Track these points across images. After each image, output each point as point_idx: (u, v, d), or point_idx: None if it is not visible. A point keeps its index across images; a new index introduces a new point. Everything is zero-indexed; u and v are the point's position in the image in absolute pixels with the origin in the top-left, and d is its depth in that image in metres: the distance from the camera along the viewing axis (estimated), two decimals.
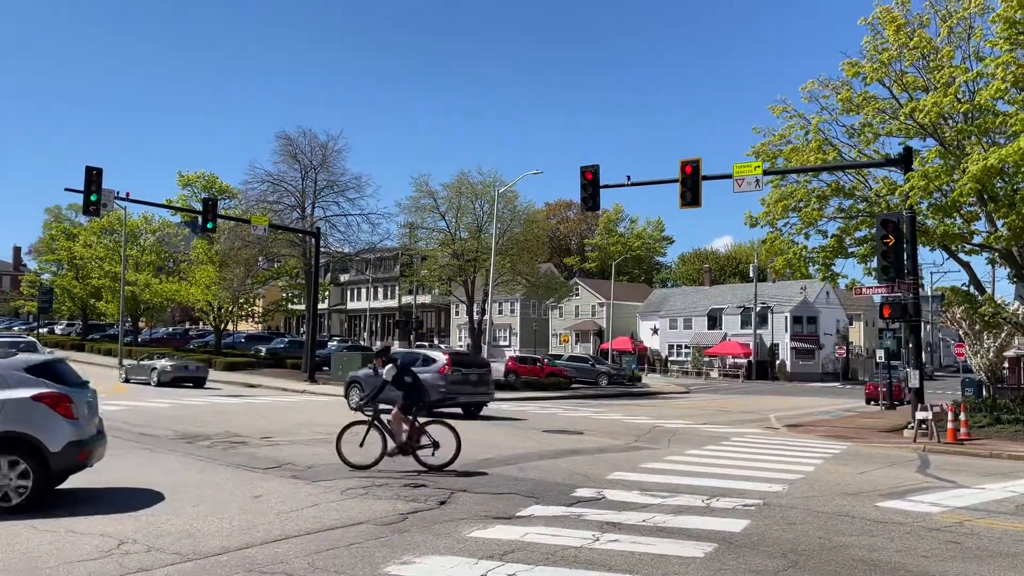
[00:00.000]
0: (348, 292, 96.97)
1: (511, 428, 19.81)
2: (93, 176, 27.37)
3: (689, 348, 72.84)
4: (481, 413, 23.58)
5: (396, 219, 52.65)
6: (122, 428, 16.94)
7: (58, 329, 68.28)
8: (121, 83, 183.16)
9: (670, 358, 74.40)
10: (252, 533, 8.08)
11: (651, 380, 56.70)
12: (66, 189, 56.05)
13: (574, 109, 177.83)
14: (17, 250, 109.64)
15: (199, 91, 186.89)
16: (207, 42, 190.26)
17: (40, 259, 72.92)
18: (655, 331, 77.77)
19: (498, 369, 45.51)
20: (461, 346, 79.70)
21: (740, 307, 70.72)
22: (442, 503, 9.80)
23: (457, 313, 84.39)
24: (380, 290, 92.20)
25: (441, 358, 23.52)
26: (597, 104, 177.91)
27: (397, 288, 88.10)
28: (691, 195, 22.08)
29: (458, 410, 22.72)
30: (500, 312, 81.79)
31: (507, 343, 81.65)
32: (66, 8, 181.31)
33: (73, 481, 10.75)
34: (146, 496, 9.88)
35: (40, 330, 61.03)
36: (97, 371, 38.69)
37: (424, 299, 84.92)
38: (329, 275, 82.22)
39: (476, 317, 44.03)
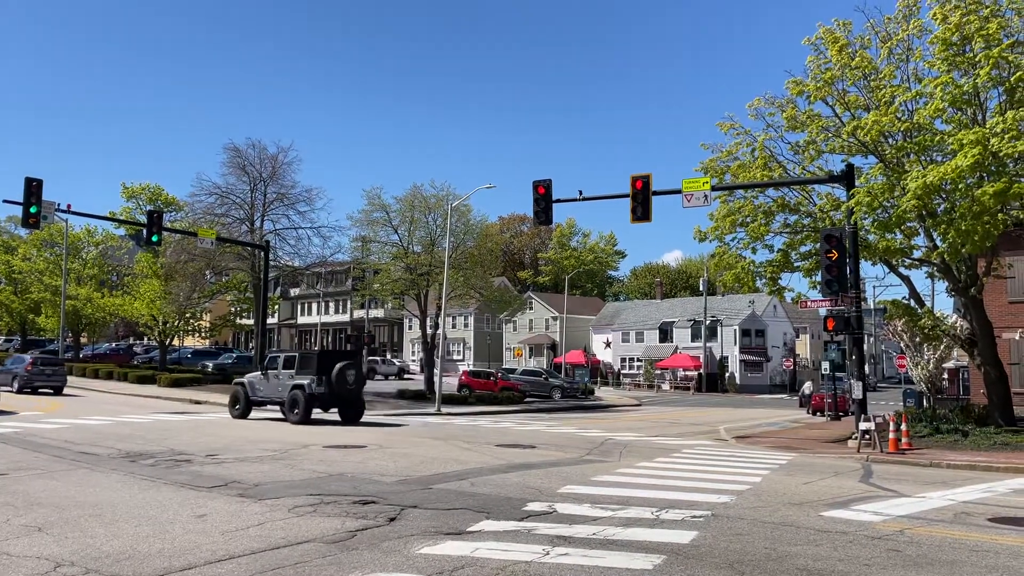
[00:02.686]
0: (299, 306, 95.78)
1: (463, 443, 19.72)
2: (33, 187, 26.63)
3: (641, 361, 73.47)
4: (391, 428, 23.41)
5: (348, 232, 52.21)
6: (63, 447, 16.45)
7: None
8: (63, 90, 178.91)
9: (623, 371, 74.94)
10: (196, 553, 7.88)
11: (604, 393, 57.01)
12: (4, 201, 54.37)
13: (528, 123, 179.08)
14: None
15: (145, 100, 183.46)
16: (153, 49, 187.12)
17: None
18: (608, 344, 78.30)
19: (451, 383, 45.41)
20: (414, 360, 79.24)
21: (691, 320, 71.65)
22: (392, 519, 9.70)
23: (410, 327, 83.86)
24: (331, 304, 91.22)
25: None
26: (550, 117, 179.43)
27: (349, 302, 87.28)
28: (642, 210, 22.36)
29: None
30: (454, 326, 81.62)
31: (461, 357, 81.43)
32: (11, 8, 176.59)
33: (8, 500, 10.39)
34: (87, 517, 9.57)
35: (10, 348, 58.87)
36: None
37: (377, 313, 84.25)
38: (279, 289, 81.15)
39: (429, 331, 43.76)
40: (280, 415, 26.38)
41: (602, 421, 31.96)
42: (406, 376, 65.27)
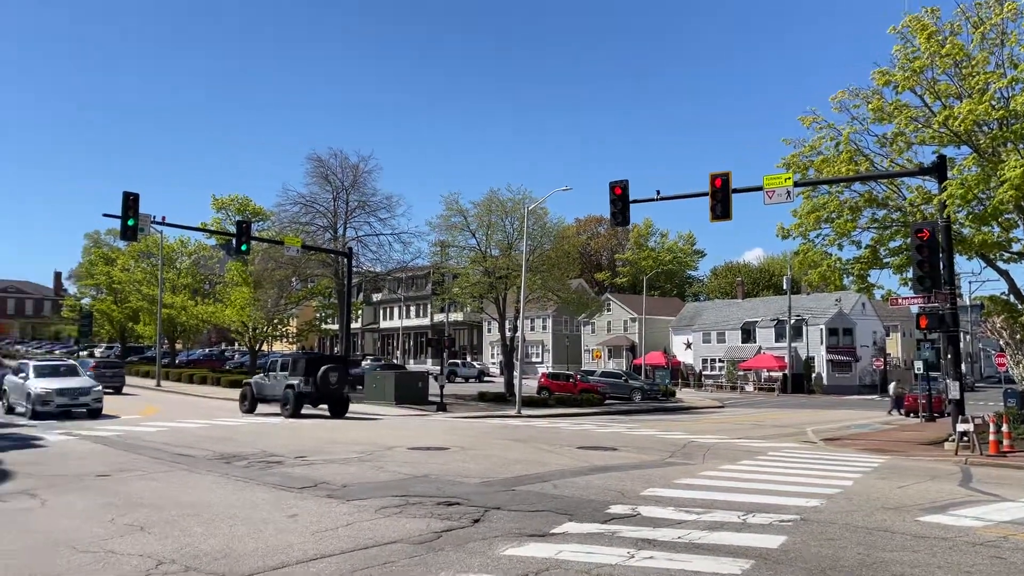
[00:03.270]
0: (381, 311, 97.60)
1: (545, 445, 19.75)
2: (130, 201, 27.92)
3: (723, 362, 72.10)
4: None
5: (427, 238, 52.95)
6: (161, 449, 17.21)
7: (97, 352, 69.43)
8: (157, 108, 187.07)
9: (704, 372, 73.69)
10: (288, 553, 8.14)
11: (685, 395, 56.18)
12: (104, 215, 57.49)
13: (603, 124, 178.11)
14: (58, 275, 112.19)
15: (232, 113, 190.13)
16: (238, 67, 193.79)
17: (80, 284, 74.50)
18: (688, 345, 77.13)
19: (531, 386, 45.53)
20: (494, 362, 79.79)
21: (774, 320, 69.89)
22: (476, 521, 9.81)
23: (489, 330, 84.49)
24: (412, 308, 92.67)
25: None
26: (625, 119, 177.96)
27: (429, 306, 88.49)
28: (721, 208, 21.96)
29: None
30: (532, 329, 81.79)
31: (539, 359, 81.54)
32: (109, 34, 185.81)
33: (112, 500, 10.95)
34: (186, 516, 10.01)
35: (80, 353, 62.17)
36: (134, 392, 39.35)
37: (456, 317, 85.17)
38: (362, 295, 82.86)
39: (508, 334, 43.99)
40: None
41: (683, 423, 31.51)
42: (486, 379, 65.75)
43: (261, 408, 29.94)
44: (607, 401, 42.60)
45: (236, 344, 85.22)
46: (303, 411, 28.29)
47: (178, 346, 60.85)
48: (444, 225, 45.83)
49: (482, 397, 39.24)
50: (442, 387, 34.01)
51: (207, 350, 71.34)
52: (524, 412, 32.80)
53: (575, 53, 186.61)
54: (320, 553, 8.13)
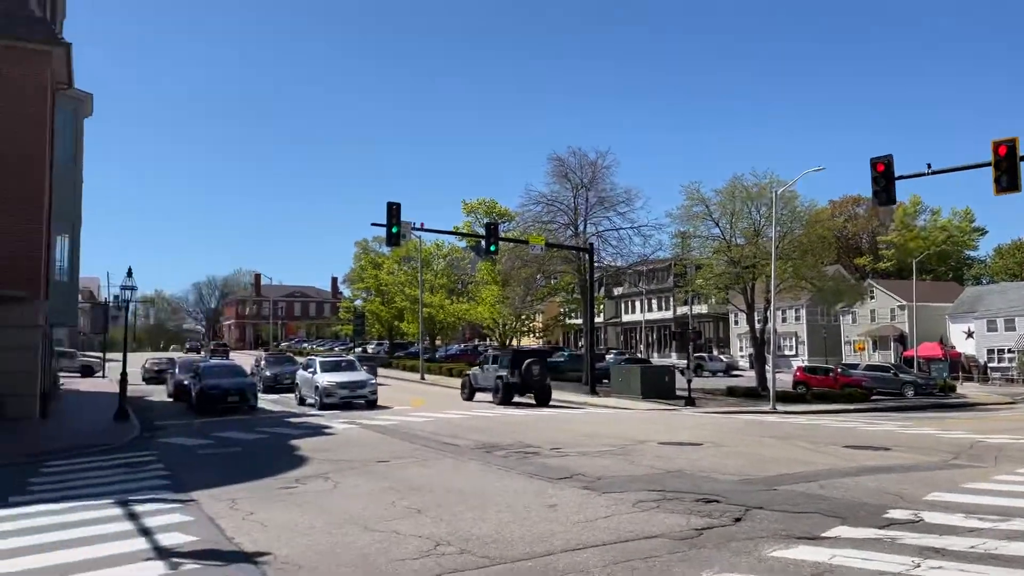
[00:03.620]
0: (622, 305, 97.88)
1: (805, 443, 18.67)
2: (393, 211, 30.35)
3: (1014, 352, 63.86)
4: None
5: (667, 229, 52.17)
6: (430, 438, 18.55)
7: (369, 348, 76.42)
8: (415, 123, 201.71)
9: (989, 364, 65.74)
10: (552, 541, 8.41)
11: (967, 390, 50.54)
12: (372, 224, 62.73)
13: (855, 93, 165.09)
14: (334, 280, 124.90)
15: (474, 122, 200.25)
16: (483, 72, 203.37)
17: (352, 287, 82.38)
18: (969, 334, 69.24)
19: (784, 380, 43.31)
20: (742, 356, 77.01)
21: None
22: (737, 520, 9.50)
23: (736, 322, 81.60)
24: (654, 301, 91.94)
25: None
26: (878, 85, 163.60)
27: (671, 299, 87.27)
28: (1008, 179, 19.41)
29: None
30: (784, 320, 77.77)
31: (793, 352, 77.39)
32: (351, 57, 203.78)
33: (391, 484, 11.95)
34: (456, 502, 10.68)
35: (356, 349, 68.79)
36: (401, 385, 42.78)
37: (701, 309, 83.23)
38: (603, 289, 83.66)
39: (758, 326, 42.21)
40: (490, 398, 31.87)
41: (967, 421, 28.33)
42: (734, 373, 63.57)
43: (479, 396, 33.45)
44: (873, 397, 39.41)
45: (488, 339, 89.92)
46: (513, 399, 31.07)
47: (437, 342, 65.24)
48: (685, 215, 44.89)
49: (731, 392, 38.00)
50: (689, 381, 33.41)
51: (463, 345, 75.81)
52: (779, 408, 31.27)
53: (826, 35, 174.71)
54: (582, 543, 8.30)
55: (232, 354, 75.23)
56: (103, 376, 50.81)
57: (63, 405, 29.78)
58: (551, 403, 31.07)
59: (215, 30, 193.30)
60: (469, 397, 33.65)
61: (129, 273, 25.81)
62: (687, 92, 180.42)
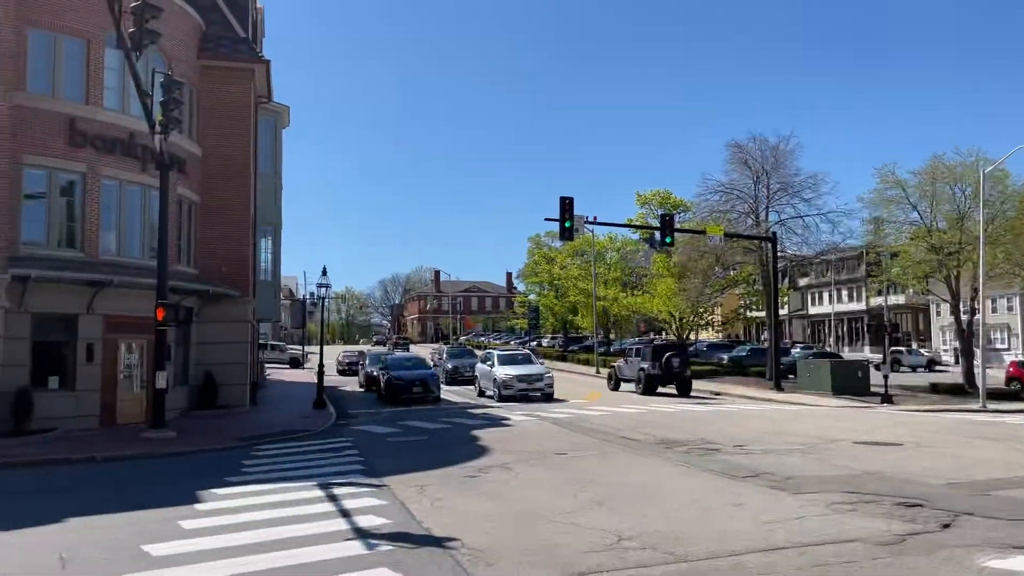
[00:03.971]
0: (809, 296, 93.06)
1: (1022, 444, 16.91)
2: (566, 205, 30.52)
3: None
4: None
5: (858, 215, 48.85)
6: (608, 431, 18.53)
7: (544, 342, 77.48)
8: (589, 111, 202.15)
9: None
10: (739, 541, 8.13)
11: None
12: (545, 219, 63.73)
13: None
14: (509, 275, 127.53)
15: (649, 111, 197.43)
16: (643, 69, 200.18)
17: (526, 281, 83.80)
18: None
19: (996, 376, 39.43)
20: (945, 350, 70.99)
21: None
22: (945, 526, 8.76)
23: (938, 314, 75.33)
24: (844, 292, 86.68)
25: None
26: None
27: (864, 289, 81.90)
28: None
29: None
30: (994, 310, 70.82)
31: (1005, 345, 70.32)
32: (520, 61, 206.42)
33: (571, 476, 12.04)
34: (637, 496, 10.59)
35: (531, 343, 69.98)
36: (576, 379, 43.02)
37: (897, 300, 77.52)
38: (787, 280, 79.84)
39: (964, 317, 38.68)
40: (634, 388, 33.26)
41: None
42: (936, 368, 58.77)
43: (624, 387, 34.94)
44: None
45: (664, 333, 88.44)
46: (657, 390, 32.50)
47: (611, 336, 65.02)
48: (878, 200, 41.88)
49: (934, 388, 35.09)
50: (886, 377, 31.20)
51: (637, 339, 75.12)
52: (989, 406, 28.48)
53: None
54: (772, 545, 7.97)
55: (412, 347, 78.88)
56: (306, 367, 55.19)
57: (268, 394, 32.47)
58: (693, 395, 31.84)
59: (391, 35, 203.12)
60: (615, 387, 35.41)
61: (324, 272, 27.74)
62: (881, 72, 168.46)
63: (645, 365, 32.66)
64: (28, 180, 20.11)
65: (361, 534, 8.93)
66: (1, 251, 18.15)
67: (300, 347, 63.22)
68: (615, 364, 37.75)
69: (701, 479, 11.95)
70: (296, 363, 57.07)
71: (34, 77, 20.25)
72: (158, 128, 17.92)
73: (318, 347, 30.70)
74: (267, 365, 56.32)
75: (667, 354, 32.49)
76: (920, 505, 9.87)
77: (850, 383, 32.91)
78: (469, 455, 15.09)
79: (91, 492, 12.46)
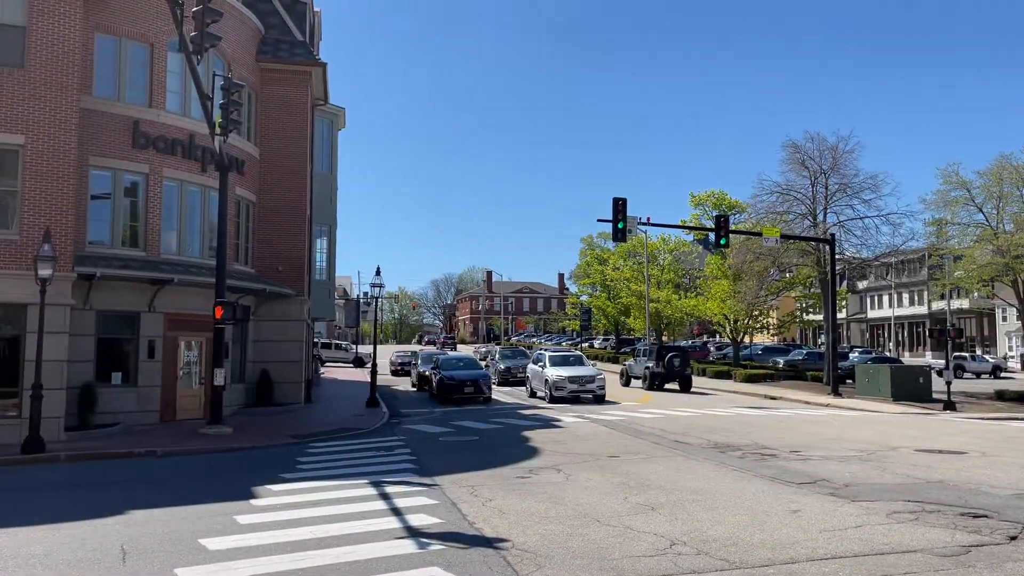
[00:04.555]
0: (867, 300, 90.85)
1: None
2: (619, 206, 30.30)
3: None
4: None
5: (921, 216, 47.41)
6: (659, 435, 18.33)
7: (596, 344, 77.11)
8: (642, 125, 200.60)
9: None
10: (796, 548, 7.94)
11: None
12: (598, 220, 63.35)
13: None
14: (560, 276, 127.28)
15: (708, 114, 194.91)
16: (709, 70, 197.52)
17: (579, 283, 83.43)
18: None
19: None
20: (1012, 356, 68.62)
21: None
22: (1012, 538, 8.43)
23: (1004, 319, 72.88)
24: (905, 296, 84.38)
25: None
26: None
27: (925, 293, 79.60)
28: None
29: None
30: None
31: None
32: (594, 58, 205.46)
33: (623, 480, 11.92)
34: (690, 501, 10.44)
35: (582, 344, 69.65)
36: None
37: (960, 304, 75.18)
38: (845, 283, 78.06)
39: None
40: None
41: None
42: (1003, 375, 56.81)
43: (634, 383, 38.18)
44: None
45: (717, 336, 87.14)
46: (662, 386, 35.96)
47: (664, 338, 64.36)
48: (941, 201, 40.74)
49: (1000, 396, 33.85)
50: (949, 383, 30.25)
51: (691, 342, 74.20)
52: None
53: None
54: (830, 553, 7.76)
55: (460, 347, 79.23)
56: (362, 367, 56.04)
57: (322, 392, 32.95)
58: (745, 395, 29.71)
59: (444, 41, 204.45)
60: (626, 384, 39.48)
61: (378, 272, 27.99)
62: (950, 69, 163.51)
63: (650, 364, 36.38)
64: (94, 181, 20.79)
65: (413, 533, 8.97)
66: (68, 250, 18.76)
67: (354, 346, 64.12)
68: (625, 364, 41.85)
69: (756, 485, 11.71)
70: (360, 363, 58.08)
71: (100, 81, 20.92)
72: (218, 130, 18.31)
73: (371, 346, 31.01)
74: (333, 364, 57.44)
75: (669, 355, 36.04)
76: (986, 516, 9.52)
77: (911, 389, 32.00)
78: (520, 456, 15.07)
79: (151, 486, 12.79)
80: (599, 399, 28.81)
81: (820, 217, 40.53)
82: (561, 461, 14.28)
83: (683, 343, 70.66)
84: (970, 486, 11.60)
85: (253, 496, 11.44)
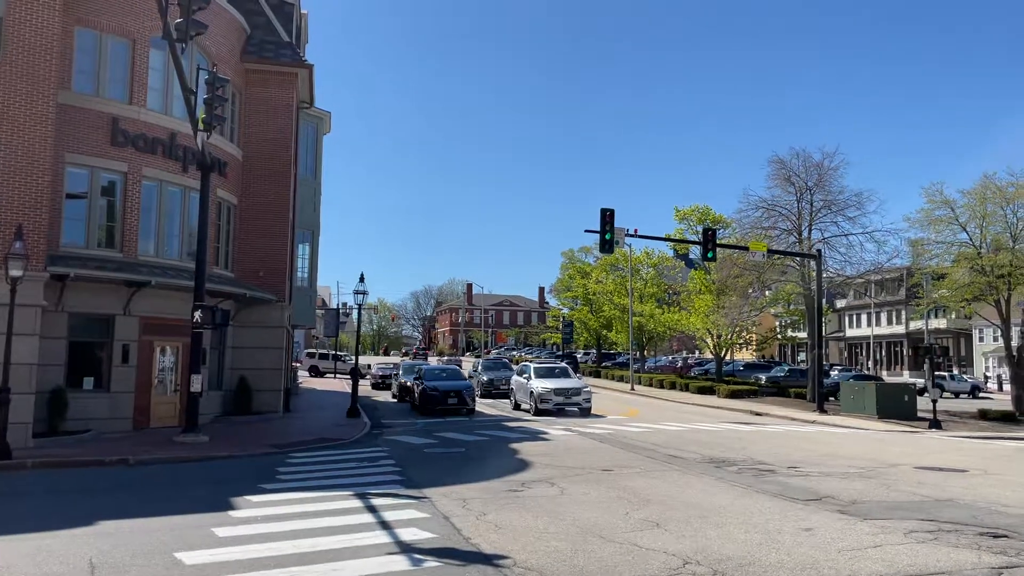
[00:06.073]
0: (846, 318, 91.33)
1: None
2: (607, 217, 29.96)
3: None
4: None
5: (905, 235, 47.46)
6: (651, 449, 17.85)
7: (577, 357, 76.66)
8: (621, 129, 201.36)
9: None
10: (817, 569, 7.47)
11: None
12: (586, 231, 62.99)
13: None
14: (541, 290, 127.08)
15: (692, 129, 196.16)
16: (689, 74, 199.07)
17: (559, 296, 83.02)
18: None
19: None
20: (988, 376, 69.08)
21: None
22: None
23: (981, 339, 73.52)
24: (883, 315, 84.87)
25: None
26: None
27: (903, 312, 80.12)
28: None
29: None
30: None
31: None
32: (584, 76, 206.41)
33: (621, 494, 11.41)
34: (695, 517, 9.95)
35: (567, 357, 69.14)
36: (612, 394, 42.20)
37: (938, 324, 75.71)
38: (824, 300, 78.37)
39: (1015, 343, 37.34)
40: None
41: None
42: (980, 394, 57.11)
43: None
44: None
45: (697, 352, 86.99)
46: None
47: (646, 353, 64.04)
48: (925, 220, 40.77)
49: (984, 415, 33.82)
50: (934, 401, 30.08)
51: (670, 357, 73.99)
52: None
53: None
54: (854, 573, 7.30)
55: (431, 359, 78.55)
56: (363, 378, 55.07)
57: (301, 402, 32.17)
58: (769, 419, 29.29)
59: (428, 50, 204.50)
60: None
61: (361, 279, 27.37)
62: (936, 87, 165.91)
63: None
64: (70, 179, 20.05)
65: (405, 548, 8.40)
66: (41, 249, 18.01)
67: (352, 358, 63.17)
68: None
69: (760, 501, 11.24)
70: (357, 374, 57.09)
71: (79, 76, 20.24)
72: (201, 126, 17.69)
73: (351, 357, 30.32)
74: (332, 375, 56.23)
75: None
76: (1006, 536, 9.11)
77: (896, 407, 31.79)
78: (510, 468, 14.52)
79: (123, 495, 12.09)
80: (585, 412, 28.30)
81: (805, 233, 40.45)
82: (553, 474, 13.75)
83: (662, 358, 70.49)
84: (980, 505, 11.21)
85: (232, 507, 10.80)
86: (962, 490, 12.62)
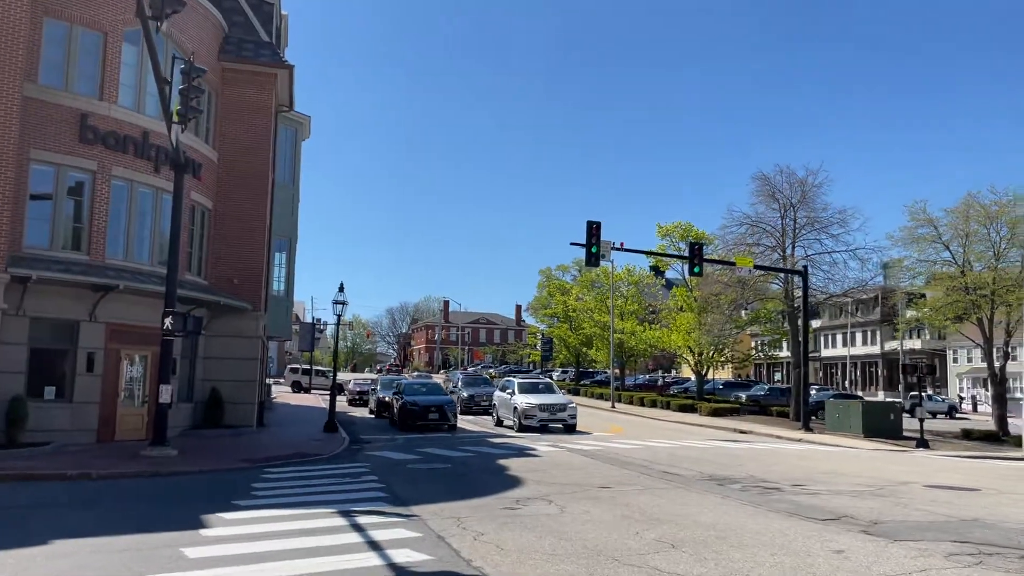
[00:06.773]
0: (821, 338, 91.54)
1: None
2: (593, 230, 29.29)
3: None
4: None
5: (889, 252, 47.43)
6: (645, 465, 17.08)
7: (555, 375, 75.86)
8: (598, 147, 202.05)
9: None
10: None
11: None
12: (571, 243, 61.80)
13: None
14: (518, 308, 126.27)
15: (675, 146, 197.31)
16: (673, 93, 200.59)
17: (537, 314, 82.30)
18: None
19: (1020, 425, 37.79)
20: (964, 397, 69.30)
21: None
22: None
23: (955, 360, 73.90)
24: (858, 335, 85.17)
25: None
26: None
27: (878, 333, 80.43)
28: None
29: None
30: (1013, 358, 69.25)
31: None
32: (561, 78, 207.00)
33: (625, 512, 10.61)
34: (712, 538, 9.17)
35: (547, 375, 68.29)
36: (593, 412, 41.43)
37: (913, 344, 76.02)
38: (801, 320, 78.42)
39: (997, 363, 37.18)
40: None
41: None
42: (957, 415, 57.17)
43: None
44: None
45: (673, 371, 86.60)
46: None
47: (624, 370, 63.41)
48: (908, 238, 40.65)
49: (967, 435, 33.58)
50: (922, 420, 29.76)
51: (648, 376, 73.49)
52: None
53: None
54: None
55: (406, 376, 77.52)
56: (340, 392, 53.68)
57: (275, 416, 31.00)
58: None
59: (408, 64, 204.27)
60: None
61: (341, 288, 26.37)
62: (919, 109, 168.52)
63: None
64: (34, 177, 18.97)
65: (399, 572, 7.54)
66: (2, 250, 16.94)
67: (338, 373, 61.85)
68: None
69: (776, 521, 10.50)
70: (339, 389, 55.74)
71: (47, 68, 19.21)
72: (175, 118, 16.74)
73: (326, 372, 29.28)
74: (318, 391, 54.81)
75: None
76: None
77: (882, 425, 31.36)
78: (502, 486, 13.66)
79: (85, 512, 11.06)
80: (570, 428, 27.48)
81: (789, 250, 40.14)
82: (549, 491, 12.92)
83: (641, 376, 69.93)
84: (1010, 525, 10.55)
85: (203, 525, 9.84)
86: (982, 509, 11.98)
